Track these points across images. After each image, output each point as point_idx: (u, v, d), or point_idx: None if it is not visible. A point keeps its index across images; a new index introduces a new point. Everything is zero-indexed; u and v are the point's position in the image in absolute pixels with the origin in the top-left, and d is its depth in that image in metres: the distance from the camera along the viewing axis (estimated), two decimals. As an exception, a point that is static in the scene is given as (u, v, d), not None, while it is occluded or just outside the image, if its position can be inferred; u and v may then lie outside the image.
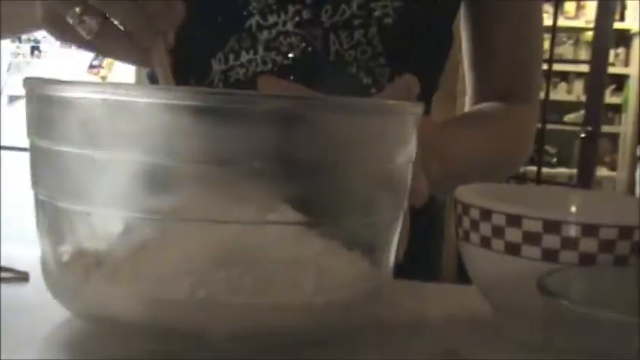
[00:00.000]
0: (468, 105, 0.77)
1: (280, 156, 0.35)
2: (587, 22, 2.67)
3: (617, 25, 3.62)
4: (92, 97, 0.35)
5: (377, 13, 0.66)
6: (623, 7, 4.37)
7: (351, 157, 0.37)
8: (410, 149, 0.41)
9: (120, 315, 0.36)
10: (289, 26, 0.65)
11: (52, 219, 0.38)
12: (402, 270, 0.46)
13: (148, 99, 0.35)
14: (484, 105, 0.75)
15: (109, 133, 0.35)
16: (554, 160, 3.80)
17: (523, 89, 0.75)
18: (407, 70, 0.69)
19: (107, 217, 0.36)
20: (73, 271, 0.37)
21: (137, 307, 0.35)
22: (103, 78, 2.94)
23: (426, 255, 0.76)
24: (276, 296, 0.35)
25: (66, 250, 0.38)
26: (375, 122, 0.38)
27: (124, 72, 2.55)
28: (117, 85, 0.36)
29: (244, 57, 0.66)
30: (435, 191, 0.51)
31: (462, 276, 0.49)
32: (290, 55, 0.66)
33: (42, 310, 0.42)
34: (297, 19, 0.65)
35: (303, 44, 0.66)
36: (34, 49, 2.75)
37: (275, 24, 0.66)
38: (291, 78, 0.66)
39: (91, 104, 0.35)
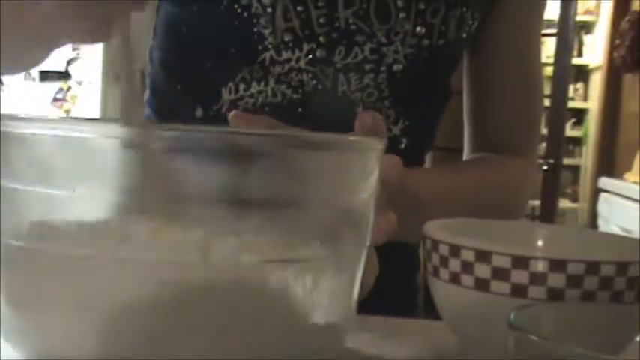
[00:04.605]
0: (465, 156, 0.77)
1: (237, 193, 0.34)
2: (547, 57, 2.75)
3: (575, 60, 3.71)
4: (44, 133, 0.34)
5: (388, 59, 0.67)
6: (581, 44, 4.51)
7: (311, 192, 0.37)
8: (371, 184, 0.40)
9: (74, 355, 0.35)
10: (302, 63, 0.66)
11: (6, 258, 0.37)
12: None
13: (100, 135, 0.34)
14: (478, 155, 0.75)
15: (63, 170, 0.34)
16: (517, 192, 3.84)
17: (520, 143, 0.75)
18: (410, 114, 0.69)
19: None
20: (25, 314, 0.36)
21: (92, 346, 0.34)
22: (67, 111, 2.91)
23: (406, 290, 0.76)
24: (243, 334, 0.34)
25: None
26: (335, 158, 0.38)
27: (88, 105, 2.53)
28: (70, 121, 0.35)
29: (255, 88, 0.67)
30: (400, 232, 0.50)
31: (431, 311, 0.49)
32: (299, 90, 0.67)
33: None
34: (310, 56, 0.66)
35: (314, 81, 0.67)
36: (-4, 82, 2.71)
37: (288, 60, 0.66)
38: (299, 110, 0.67)
39: (43, 141, 0.34)
